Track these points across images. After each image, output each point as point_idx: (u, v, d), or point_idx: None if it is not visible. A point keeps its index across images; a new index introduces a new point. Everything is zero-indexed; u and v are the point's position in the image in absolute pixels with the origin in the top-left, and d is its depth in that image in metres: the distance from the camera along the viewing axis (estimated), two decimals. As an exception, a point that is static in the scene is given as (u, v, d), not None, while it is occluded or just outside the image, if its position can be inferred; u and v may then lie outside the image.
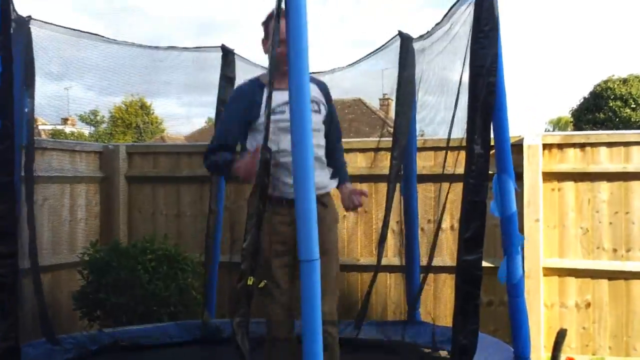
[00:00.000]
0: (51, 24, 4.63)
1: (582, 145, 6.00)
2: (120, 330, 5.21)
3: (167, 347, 5.04)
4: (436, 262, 6.03)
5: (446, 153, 4.46)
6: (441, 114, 5.03)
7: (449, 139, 4.21)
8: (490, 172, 3.76)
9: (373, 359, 4.86)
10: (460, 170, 4.45)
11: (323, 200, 3.88)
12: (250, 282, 3.15)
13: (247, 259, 3.16)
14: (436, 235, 4.67)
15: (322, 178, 3.90)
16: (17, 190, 3.78)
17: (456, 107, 4.00)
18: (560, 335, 3.56)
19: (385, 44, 5.40)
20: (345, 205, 4.08)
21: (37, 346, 4.42)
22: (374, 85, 6.73)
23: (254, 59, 6.01)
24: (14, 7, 3.83)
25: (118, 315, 5.74)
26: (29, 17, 4.38)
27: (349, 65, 5.81)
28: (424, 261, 5.41)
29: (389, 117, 32.72)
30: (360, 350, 5.00)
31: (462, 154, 4.21)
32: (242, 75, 6.04)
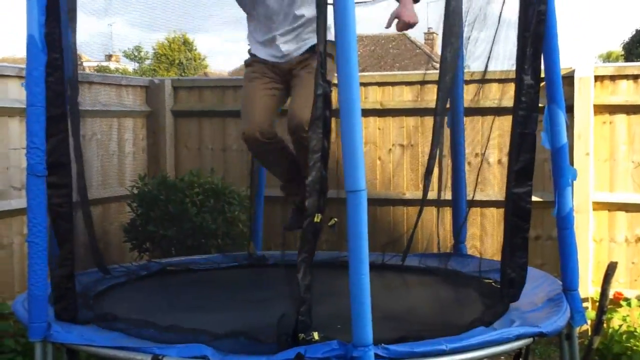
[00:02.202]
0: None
1: (635, 77, 5.83)
2: (169, 261, 5.31)
3: (214, 271, 5.13)
4: (484, 196, 6.02)
5: (480, 87, 4.36)
6: (489, 47, 4.92)
7: (485, 69, 4.10)
8: (540, 104, 3.70)
9: (418, 283, 4.86)
10: (507, 102, 4.39)
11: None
12: (317, 220, 3.13)
13: (312, 195, 3.12)
14: (479, 169, 4.61)
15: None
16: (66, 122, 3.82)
17: (497, 32, 3.90)
18: (611, 268, 3.53)
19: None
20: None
21: (89, 275, 4.52)
22: (419, 18, 6.59)
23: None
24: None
25: (167, 248, 5.86)
26: (72, -51, 4.36)
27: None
28: (470, 195, 5.37)
29: (434, 52, 32.21)
30: (405, 275, 5.01)
31: (511, 86, 4.15)
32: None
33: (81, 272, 4.40)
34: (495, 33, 3.91)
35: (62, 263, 3.59)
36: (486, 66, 4.23)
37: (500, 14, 3.86)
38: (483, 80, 5.83)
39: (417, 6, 5.53)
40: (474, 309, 3.83)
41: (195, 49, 38.56)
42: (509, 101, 4.53)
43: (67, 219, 3.57)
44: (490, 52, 4.02)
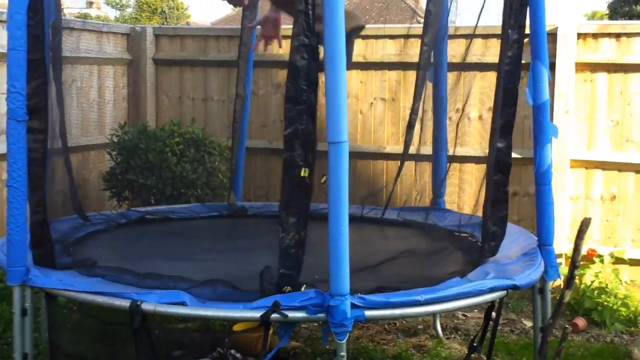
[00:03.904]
0: None
1: (617, 35, 5.84)
2: (148, 210, 5.31)
3: (194, 220, 5.15)
4: (463, 152, 6.05)
5: (470, 41, 4.36)
6: (474, 3, 4.90)
7: (477, 21, 4.10)
8: (523, 61, 3.70)
9: (395, 236, 4.90)
10: (491, 59, 4.39)
11: None
12: (305, 174, 3.10)
13: (294, 148, 3.08)
14: (458, 122, 4.63)
15: None
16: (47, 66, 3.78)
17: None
18: (584, 224, 3.57)
19: None
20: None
21: (68, 222, 4.52)
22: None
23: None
24: None
25: (146, 196, 5.86)
26: None
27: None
28: (451, 150, 5.40)
29: (419, 7, 31.99)
30: (383, 227, 5.05)
31: (494, 42, 4.15)
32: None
33: (60, 219, 4.42)
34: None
35: (35, 210, 3.57)
36: (477, 21, 4.20)
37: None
38: (467, 35, 5.85)
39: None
40: (450, 261, 3.89)
41: (178, -2, 38.03)
42: (492, 58, 4.54)
43: (41, 164, 3.55)
44: (482, 7, 3.99)
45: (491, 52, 5.89)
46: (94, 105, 6.57)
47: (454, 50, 5.80)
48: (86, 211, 4.80)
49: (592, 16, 43.25)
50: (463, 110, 4.80)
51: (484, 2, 3.95)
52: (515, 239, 4.16)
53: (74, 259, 3.79)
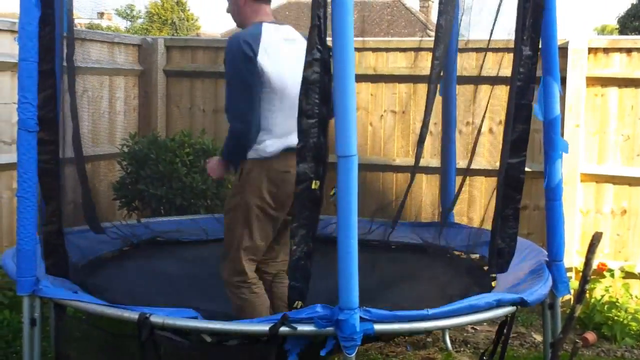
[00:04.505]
0: None
1: (628, 50, 5.83)
2: (158, 221, 5.32)
3: (204, 243, 5.15)
4: (473, 165, 6.01)
5: (485, 55, 4.36)
6: (485, 17, 4.91)
7: (491, 34, 4.10)
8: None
9: (405, 259, 4.92)
10: (503, 72, 4.38)
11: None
12: (316, 187, 3.12)
13: (306, 160, 3.12)
14: (477, 138, 4.63)
15: None
16: (57, 79, 3.80)
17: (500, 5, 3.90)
18: (595, 238, 3.56)
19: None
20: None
21: (78, 234, 4.53)
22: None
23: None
24: None
25: (156, 206, 5.87)
26: None
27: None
28: (460, 163, 5.40)
29: (429, 20, 31.99)
30: (392, 251, 5.07)
31: (506, 56, 4.14)
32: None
33: (72, 230, 4.43)
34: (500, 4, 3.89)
35: (49, 220, 3.60)
36: (490, 35, 4.20)
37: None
38: (478, 49, 5.85)
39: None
40: (459, 277, 3.89)
41: (188, 9, 38.20)
42: (502, 71, 4.54)
43: (53, 175, 3.57)
44: (494, 22, 4.00)
45: (503, 65, 5.89)
46: (105, 115, 6.60)
47: (465, 64, 5.82)
48: (98, 220, 4.83)
49: (602, 30, 43.19)
50: (480, 124, 4.76)
51: (496, 17, 3.95)
52: (526, 255, 4.15)
53: (84, 281, 3.82)
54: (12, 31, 5.23)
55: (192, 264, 4.79)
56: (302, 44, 3.47)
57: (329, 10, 3.04)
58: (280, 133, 3.63)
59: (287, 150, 3.60)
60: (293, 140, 3.32)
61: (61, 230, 3.64)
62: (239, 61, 3.54)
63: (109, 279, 4.06)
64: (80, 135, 4.36)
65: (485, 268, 4.24)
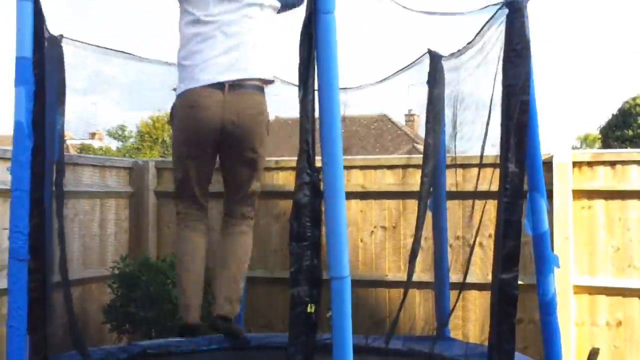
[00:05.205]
0: (81, 42, 4.71)
1: (612, 163, 5.94)
2: (150, 344, 5.23)
3: (195, 354, 5.06)
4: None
5: (479, 171, 4.43)
6: (470, 132, 5.03)
7: (481, 156, 4.18)
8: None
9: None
10: (491, 187, 4.44)
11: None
12: (311, 310, 3.11)
13: (300, 284, 3.11)
14: (471, 253, 4.65)
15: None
16: (47, 205, 3.84)
17: (488, 125, 4.00)
18: (593, 354, 3.53)
19: (415, 61, 5.41)
20: None
21: (69, 357, 4.45)
22: (399, 101, 6.74)
23: (281, 76, 6.06)
24: (46, 26, 3.89)
25: (147, 329, 5.79)
26: (61, 35, 4.45)
27: (377, 82, 5.83)
28: (452, 278, 5.39)
29: (414, 132, 32.63)
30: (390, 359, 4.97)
31: (491, 171, 4.21)
32: (270, 91, 6.07)
33: (60, 355, 4.35)
34: (488, 120, 3.99)
35: (35, 350, 3.53)
36: (482, 151, 4.29)
37: (490, 103, 3.95)
38: (465, 165, 5.96)
39: (398, 89, 5.65)
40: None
41: (179, 127, 38.71)
42: (490, 185, 4.60)
43: (39, 304, 3.54)
44: (485, 138, 4.09)
45: (489, 180, 5.97)
46: (96, 238, 6.60)
47: (453, 179, 5.91)
48: (87, 345, 4.74)
49: (585, 139, 44.09)
50: (474, 240, 4.79)
51: (484, 140, 4.04)
52: (523, 371, 4.09)
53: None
54: (4, 159, 5.28)
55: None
56: None
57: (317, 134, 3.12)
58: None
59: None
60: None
61: (47, 360, 3.57)
62: None
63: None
64: (66, 261, 4.34)
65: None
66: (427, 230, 5.61)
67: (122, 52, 5.08)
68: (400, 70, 5.54)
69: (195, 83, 3.86)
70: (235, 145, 3.93)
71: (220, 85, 3.83)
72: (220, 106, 3.79)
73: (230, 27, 3.95)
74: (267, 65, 4.08)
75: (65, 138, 5.86)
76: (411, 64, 5.42)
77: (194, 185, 4.08)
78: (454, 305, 5.03)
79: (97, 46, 4.87)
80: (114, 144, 37.20)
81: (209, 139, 3.88)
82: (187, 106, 3.86)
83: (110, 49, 4.99)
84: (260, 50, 4.02)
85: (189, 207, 4.05)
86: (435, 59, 5.11)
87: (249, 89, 3.91)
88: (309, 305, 3.09)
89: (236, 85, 3.86)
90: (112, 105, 5.80)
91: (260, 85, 4.05)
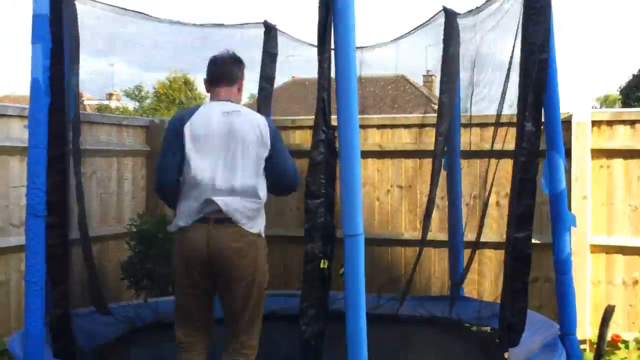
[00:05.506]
0: (96, 1, 4.68)
1: (632, 123, 5.88)
2: (165, 300, 5.30)
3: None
4: (481, 238, 6.02)
5: (495, 130, 4.40)
6: (486, 91, 4.98)
7: (499, 115, 4.15)
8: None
9: (416, 332, 4.86)
10: (507, 146, 4.42)
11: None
12: (324, 266, 3.12)
13: (313, 241, 3.13)
14: (484, 212, 4.63)
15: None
16: (66, 162, 3.86)
17: (507, 83, 3.96)
18: (608, 312, 3.54)
19: (430, 19, 5.35)
20: None
21: (85, 316, 4.51)
22: (418, 61, 6.68)
23: (296, 35, 6.02)
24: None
25: (164, 285, 5.85)
26: (75, -6, 4.43)
27: (392, 40, 5.77)
28: (468, 236, 5.39)
29: (432, 93, 32.42)
30: (403, 325, 5.01)
31: (508, 130, 4.18)
32: (284, 51, 6.05)
33: (79, 312, 4.41)
34: (507, 78, 3.95)
35: (57, 303, 3.59)
36: (499, 109, 4.24)
37: (510, 61, 3.90)
38: (481, 124, 5.91)
39: (415, 49, 5.58)
40: (470, 354, 3.83)
41: (196, 89, 38.76)
42: (507, 145, 4.58)
43: (61, 259, 3.58)
44: (503, 96, 4.05)
45: (507, 139, 5.94)
46: (113, 196, 6.64)
47: (468, 138, 5.88)
48: (106, 301, 4.82)
49: (605, 100, 43.62)
50: (487, 199, 4.75)
51: (503, 98, 4.00)
52: (538, 329, 4.10)
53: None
54: (22, 117, 5.31)
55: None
56: (240, 115, 3.53)
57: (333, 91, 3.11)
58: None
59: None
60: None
61: (68, 314, 3.62)
62: (168, 131, 3.67)
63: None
64: (86, 217, 4.37)
65: (497, 341, 4.19)
66: (444, 190, 5.60)
67: (138, 11, 5.04)
68: (416, 28, 5.48)
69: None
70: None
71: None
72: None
73: None
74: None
75: (83, 98, 5.87)
76: (426, 22, 5.36)
77: (189, 317, 3.67)
78: (468, 266, 5.03)
79: (113, 6, 4.85)
80: (131, 105, 37.24)
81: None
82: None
83: (126, 9, 4.96)
84: None
85: (185, 335, 3.63)
86: (450, 16, 5.04)
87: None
88: (323, 261, 3.10)
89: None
90: (129, 65, 5.79)
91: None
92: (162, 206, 6.92)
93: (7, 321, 5.36)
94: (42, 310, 3.48)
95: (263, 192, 3.48)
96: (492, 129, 5.83)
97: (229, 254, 3.37)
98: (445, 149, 5.23)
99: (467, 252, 5.19)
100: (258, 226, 3.49)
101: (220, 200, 3.38)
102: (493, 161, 4.34)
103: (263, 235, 3.55)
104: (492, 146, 5.00)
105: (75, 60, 4.20)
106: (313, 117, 3.19)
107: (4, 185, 5.38)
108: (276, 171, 3.51)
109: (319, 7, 3.12)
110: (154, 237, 5.90)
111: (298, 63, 6.16)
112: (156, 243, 5.87)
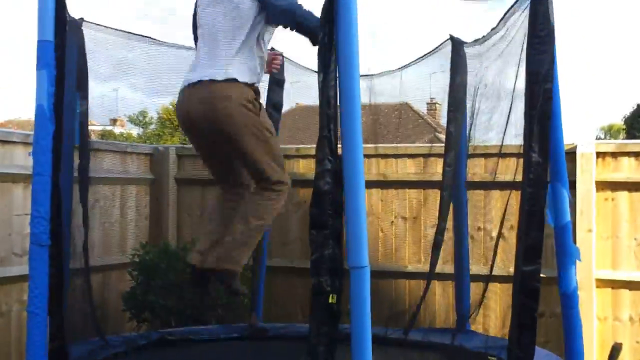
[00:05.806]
0: (102, 25, 4.69)
1: (636, 154, 5.85)
2: (168, 331, 5.25)
3: (214, 342, 5.07)
4: (486, 271, 5.96)
5: (498, 160, 4.38)
6: (492, 121, 4.96)
7: (501, 145, 4.13)
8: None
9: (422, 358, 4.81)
10: (513, 177, 4.39)
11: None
12: (333, 300, 3.06)
13: (321, 274, 3.07)
14: (496, 245, 4.59)
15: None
16: (66, 191, 3.83)
17: (510, 113, 3.95)
18: (615, 349, 3.48)
19: (436, 48, 5.35)
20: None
21: (88, 344, 4.46)
22: (422, 89, 6.67)
23: (303, 62, 6.02)
24: (67, 9, 3.87)
25: (166, 318, 5.79)
26: (82, 19, 4.44)
27: (398, 69, 5.77)
28: (473, 269, 5.34)
29: (436, 122, 32.47)
30: (409, 350, 4.95)
31: (513, 161, 4.16)
32: (291, 78, 6.04)
33: (79, 342, 4.37)
34: (510, 108, 3.95)
35: (54, 337, 3.54)
36: (502, 140, 4.24)
37: (513, 91, 3.90)
38: (486, 154, 5.89)
39: (420, 77, 5.61)
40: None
41: (200, 115, 38.75)
42: (511, 176, 4.55)
43: (58, 290, 3.54)
44: (505, 128, 4.05)
45: (512, 170, 5.91)
46: (116, 224, 6.62)
47: (473, 169, 5.85)
48: (105, 333, 4.76)
49: (609, 129, 43.65)
50: (499, 232, 4.72)
51: (505, 129, 3.99)
52: (544, 365, 4.04)
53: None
54: (26, 143, 5.30)
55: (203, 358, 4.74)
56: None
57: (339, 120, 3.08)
58: None
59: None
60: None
61: (64, 348, 3.58)
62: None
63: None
64: (88, 247, 4.34)
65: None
66: (448, 221, 5.56)
67: (143, 36, 5.06)
68: (422, 57, 5.48)
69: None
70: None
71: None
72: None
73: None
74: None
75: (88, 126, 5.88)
76: (433, 50, 5.36)
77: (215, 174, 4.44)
78: (481, 300, 4.97)
79: (118, 30, 4.86)
80: (135, 131, 37.28)
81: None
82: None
83: (132, 33, 4.97)
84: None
85: (227, 190, 4.35)
86: (457, 45, 5.05)
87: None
88: (331, 295, 3.05)
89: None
90: (133, 91, 5.78)
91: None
92: (165, 236, 6.92)
93: (7, 354, 5.30)
94: (44, 343, 3.43)
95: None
96: (496, 159, 5.85)
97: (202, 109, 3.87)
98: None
99: (472, 285, 5.14)
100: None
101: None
102: (503, 193, 4.31)
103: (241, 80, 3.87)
104: (494, 177, 4.99)
105: (84, 85, 4.21)
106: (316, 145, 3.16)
107: (7, 214, 5.36)
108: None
109: (320, 33, 3.11)
110: (156, 267, 5.86)
111: (302, 89, 6.15)
112: (158, 273, 5.82)
